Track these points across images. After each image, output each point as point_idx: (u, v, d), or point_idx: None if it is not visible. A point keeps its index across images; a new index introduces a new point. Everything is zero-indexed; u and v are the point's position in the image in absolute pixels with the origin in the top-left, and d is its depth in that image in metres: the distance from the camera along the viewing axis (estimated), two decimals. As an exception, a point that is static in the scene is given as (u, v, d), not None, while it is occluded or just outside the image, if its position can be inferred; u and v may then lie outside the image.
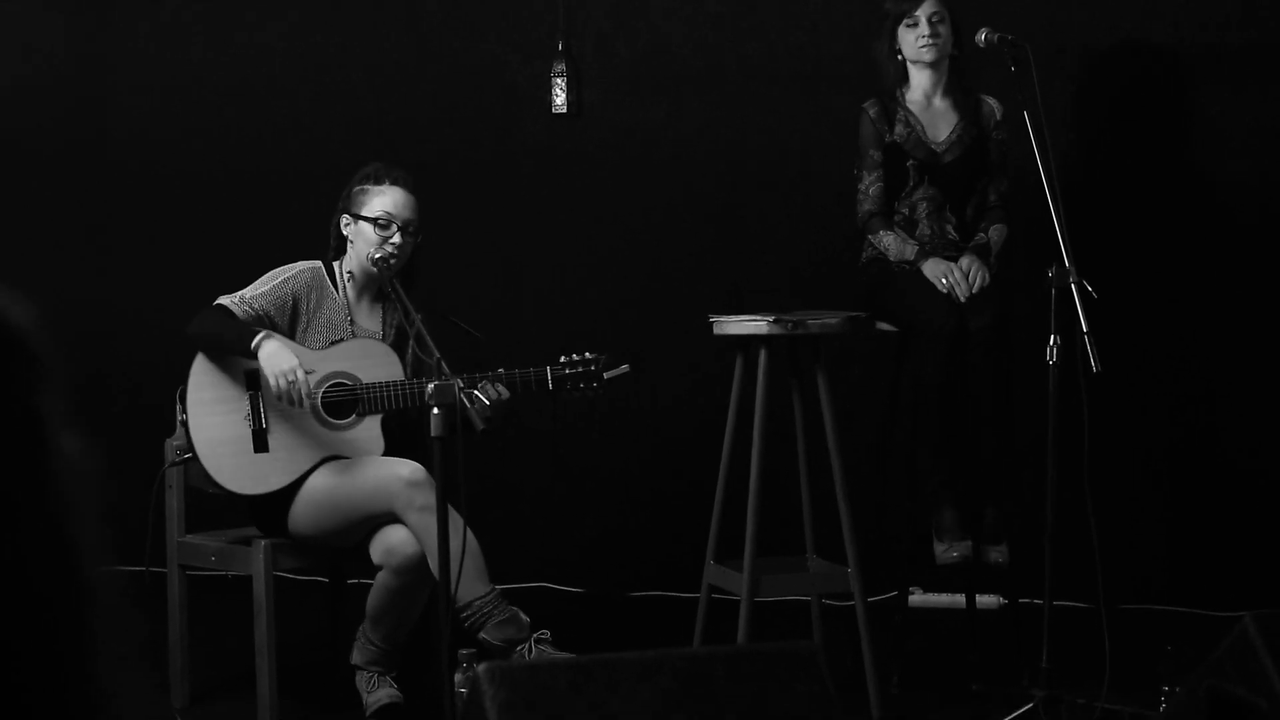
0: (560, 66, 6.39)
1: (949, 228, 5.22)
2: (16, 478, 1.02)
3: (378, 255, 4.66)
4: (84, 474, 1.06)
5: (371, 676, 4.71)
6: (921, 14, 5.20)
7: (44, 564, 1.03)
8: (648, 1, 6.38)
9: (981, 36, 5.02)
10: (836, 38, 6.16)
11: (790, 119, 6.25)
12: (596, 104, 6.44)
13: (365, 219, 4.74)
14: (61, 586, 1.03)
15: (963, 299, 4.97)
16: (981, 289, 5.01)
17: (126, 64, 6.80)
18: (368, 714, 4.68)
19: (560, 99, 6.40)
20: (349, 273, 4.79)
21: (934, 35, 5.19)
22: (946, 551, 5.06)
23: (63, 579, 1.04)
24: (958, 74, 5.29)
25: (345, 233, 4.79)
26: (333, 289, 4.78)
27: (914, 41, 5.22)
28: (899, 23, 5.24)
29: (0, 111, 6.65)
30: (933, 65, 5.23)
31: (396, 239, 4.71)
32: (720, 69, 6.33)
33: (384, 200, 4.74)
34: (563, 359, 4.79)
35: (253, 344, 4.53)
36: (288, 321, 4.70)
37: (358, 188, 4.79)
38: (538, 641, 4.52)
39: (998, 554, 5.06)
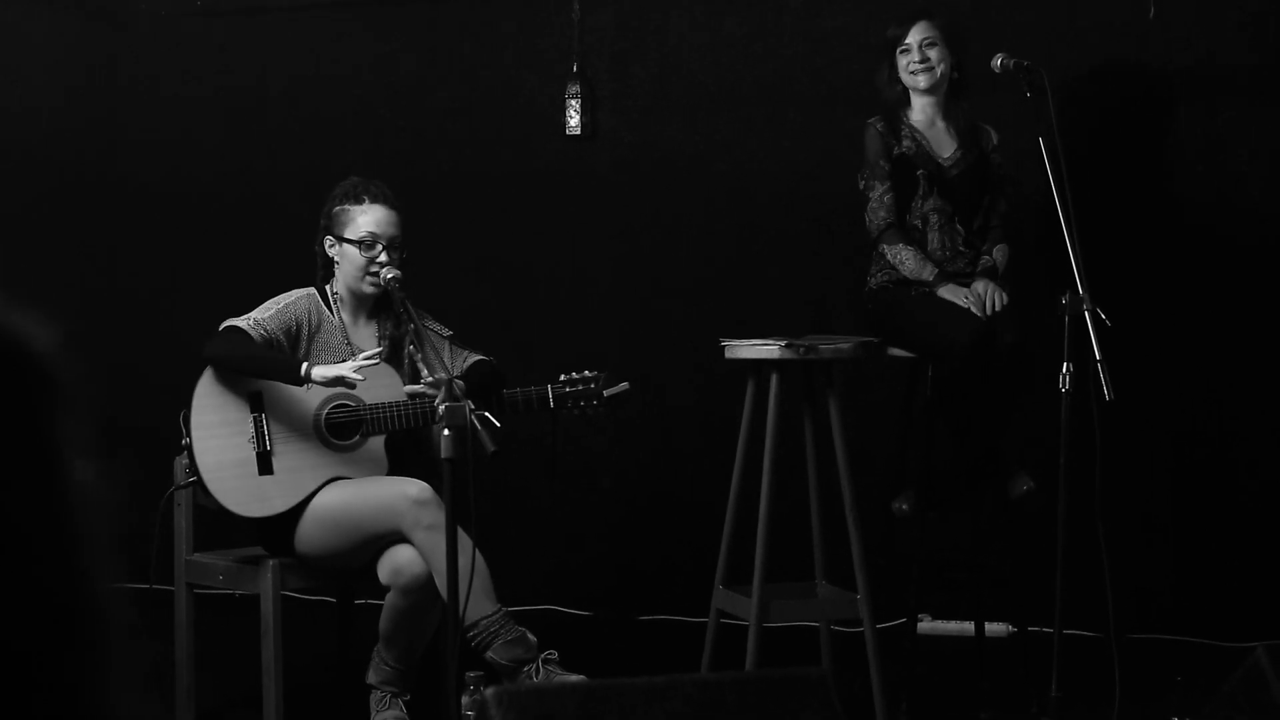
0: (575, 88, 6.40)
1: (959, 240, 5.20)
2: (29, 508, 1.01)
3: (389, 275, 4.65)
4: (99, 503, 1.05)
5: (384, 697, 4.69)
6: (912, 40, 5.18)
7: (55, 594, 1.02)
8: (662, 24, 6.39)
9: (997, 62, 5.00)
10: (851, 60, 6.16)
11: (804, 141, 6.25)
12: (610, 125, 6.45)
13: (349, 241, 4.72)
14: (73, 616, 1.02)
15: (978, 314, 4.94)
16: (1004, 307, 4.99)
17: (138, 84, 6.81)
18: (371, 733, 4.68)
19: (574, 120, 6.40)
20: (337, 294, 4.79)
21: (924, 60, 5.17)
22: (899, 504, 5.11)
23: (74, 609, 1.03)
24: (959, 98, 5.24)
25: (330, 254, 4.77)
26: (328, 312, 4.76)
27: (906, 67, 5.21)
28: (894, 48, 5.23)
29: (12, 132, 6.66)
30: (928, 91, 5.21)
31: (383, 257, 4.69)
32: (734, 91, 6.33)
33: (366, 219, 4.72)
34: (563, 377, 4.78)
35: (302, 372, 4.51)
36: (291, 345, 4.69)
37: (337, 208, 4.76)
38: (545, 662, 4.50)
39: (1024, 481, 5.05)
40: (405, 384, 4.71)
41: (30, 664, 1.00)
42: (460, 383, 4.60)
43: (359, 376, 4.47)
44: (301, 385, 4.56)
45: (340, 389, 4.62)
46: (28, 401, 1.03)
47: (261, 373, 4.59)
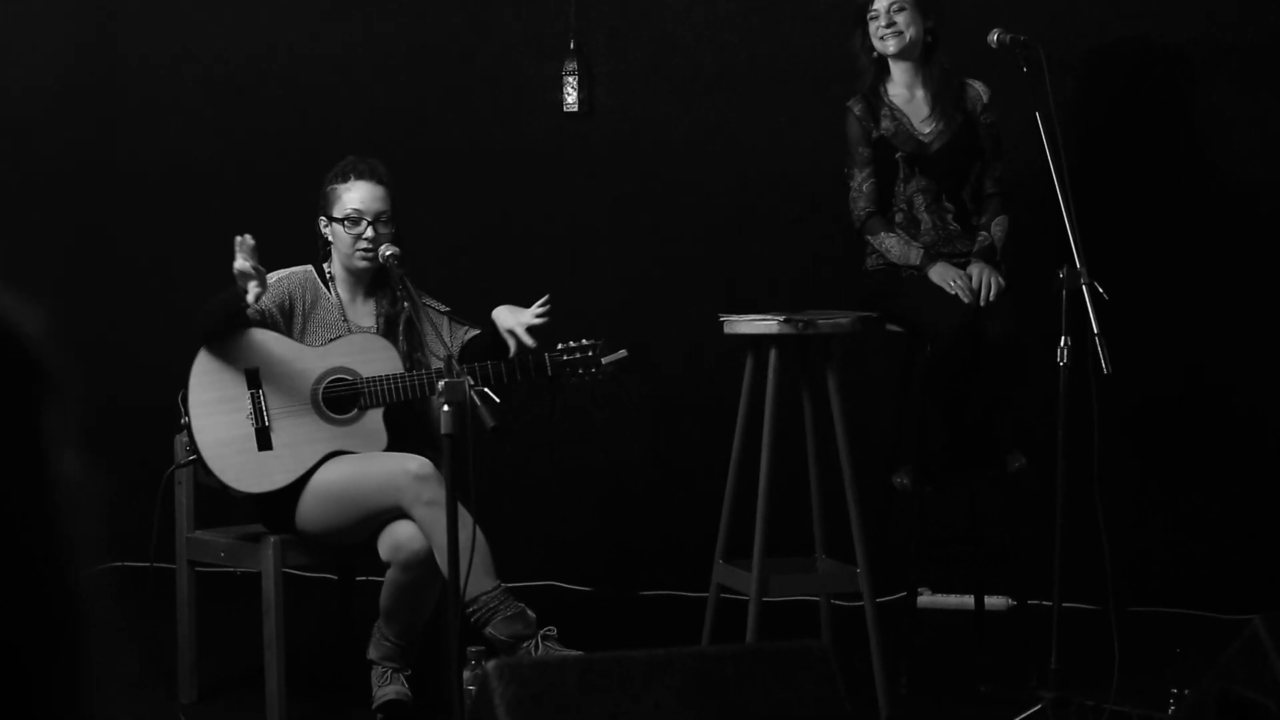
0: (572, 65, 6.39)
1: (949, 218, 5.17)
2: (17, 501, 0.99)
3: (388, 253, 4.66)
4: (83, 496, 1.03)
5: (385, 672, 4.71)
6: (880, 5, 5.15)
7: (39, 590, 1.00)
8: (660, 1, 6.37)
9: (994, 37, 4.98)
10: (848, 38, 6.14)
11: (801, 120, 6.24)
12: (607, 103, 6.44)
13: (336, 220, 4.77)
14: (55, 613, 1.01)
15: (966, 301, 4.94)
16: (998, 295, 4.97)
17: (134, 63, 6.80)
18: (373, 708, 4.69)
19: (571, 97, 6.39)
20: (332, 274, 4.82)
21: (891, 25, 5.14)
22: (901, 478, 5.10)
23: (57, 606, 1.01)
24: (935, 60, 5.19)
25: (325, 234, 4.82)
26: (325, 290, 4.81)
27: (875, 33, 5.18)
28: (864, 15, 5.21)
29: (4, 110, 6.65)
30: (900, 56, 5.18)
31: (369, 233, 4.73)
32: (732, 69, 6.32)
33: (351, 196, 4.78)
34: (560, 345, 4.80)
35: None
36: (285, 320, 4.72)
37: (328, 188, 4.83)
38: (544, 638, 4.52)
39: (1017, 458, 5.04)
40: (401, 359, 4.73)
41: (11, 659, 0.99)
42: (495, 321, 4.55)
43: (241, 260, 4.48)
44: (253, 304, 4.55)
45: (341, 366, 4.65)
46: (18, 390, 1.00)
47: (223, 315, 4.60)
